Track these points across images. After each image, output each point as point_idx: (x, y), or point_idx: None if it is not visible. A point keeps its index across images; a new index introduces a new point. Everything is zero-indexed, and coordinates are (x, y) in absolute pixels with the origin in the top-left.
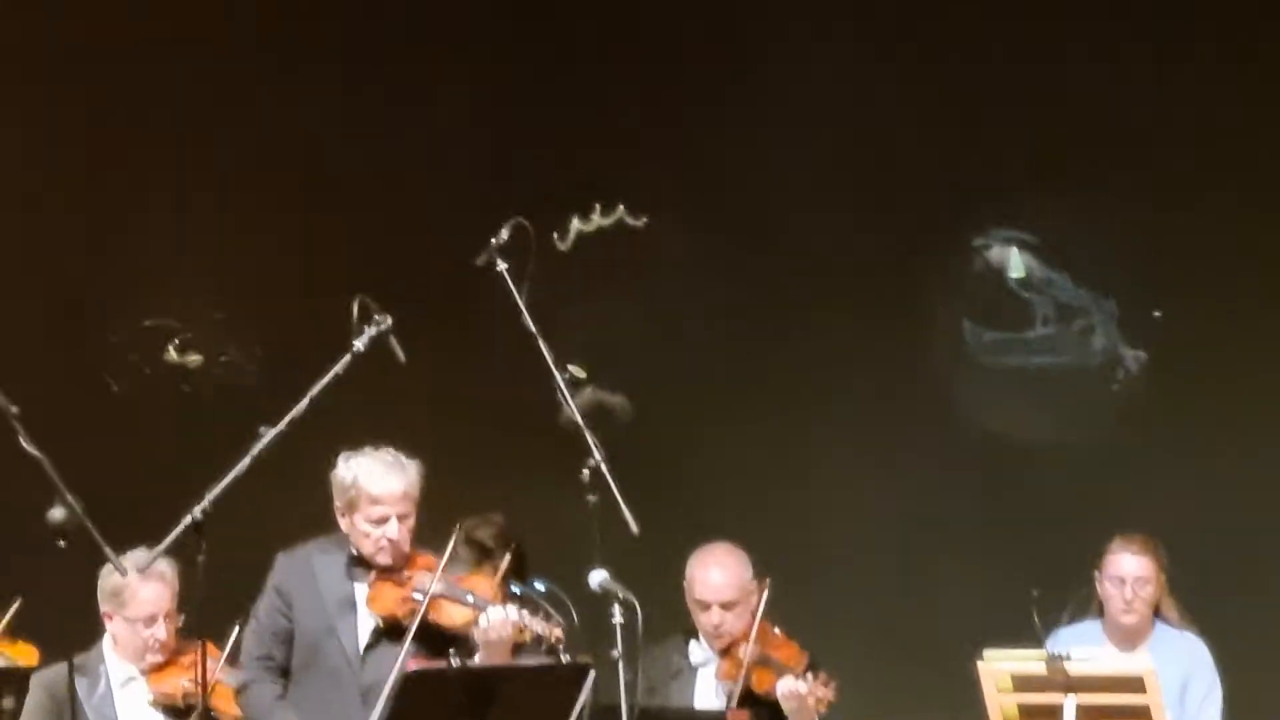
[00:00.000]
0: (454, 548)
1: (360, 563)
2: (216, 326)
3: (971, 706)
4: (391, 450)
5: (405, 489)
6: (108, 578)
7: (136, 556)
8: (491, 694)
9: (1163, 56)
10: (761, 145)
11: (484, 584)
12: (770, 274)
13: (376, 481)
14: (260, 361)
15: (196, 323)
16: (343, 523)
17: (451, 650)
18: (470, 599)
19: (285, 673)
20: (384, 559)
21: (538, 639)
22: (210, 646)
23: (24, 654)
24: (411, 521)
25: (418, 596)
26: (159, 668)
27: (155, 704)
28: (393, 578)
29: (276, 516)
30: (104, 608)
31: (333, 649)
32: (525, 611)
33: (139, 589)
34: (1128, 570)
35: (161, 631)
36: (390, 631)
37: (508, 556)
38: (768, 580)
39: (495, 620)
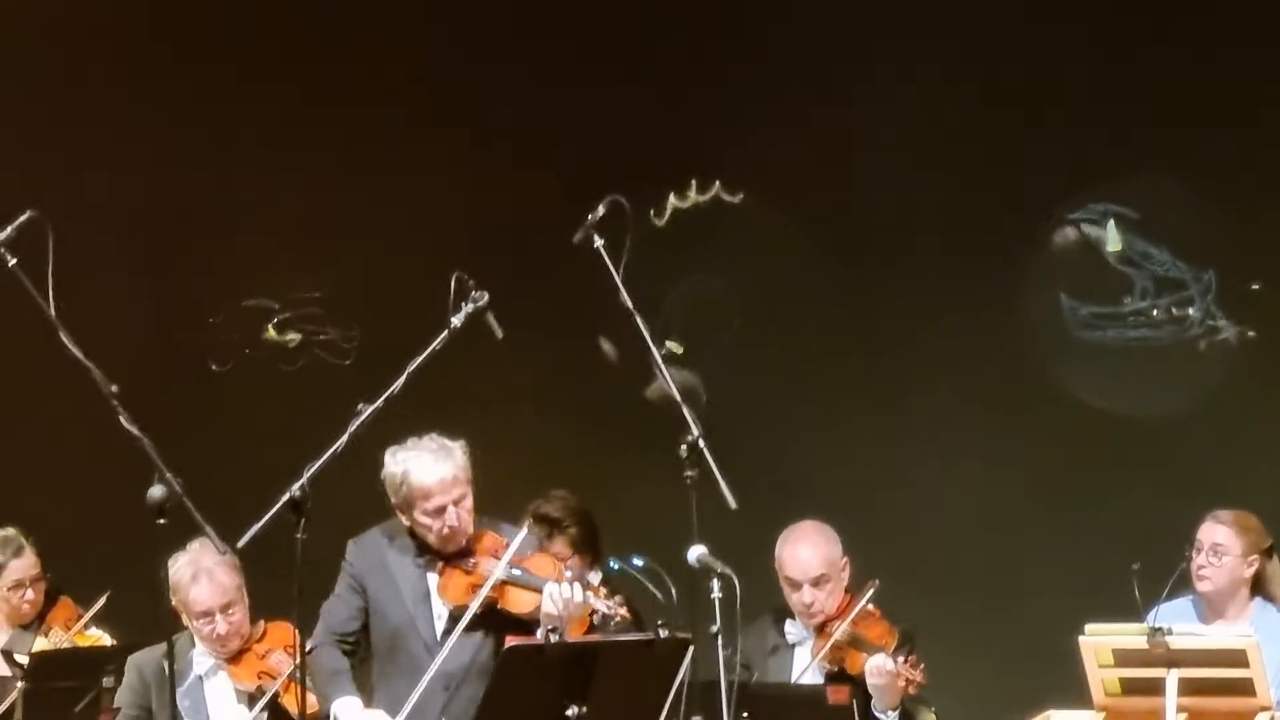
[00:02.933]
0: (524, 535)
1: (428, 550)
2: (315, 305)
3: (1073, 681)
4: (434, 437)
5: (455, 474)
6: (169, 569)
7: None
8: (592, 669)
9: (1258, 34)
10: (857, 121)
11: (547, 564)
12: (866, 248)
13: (426, 473)
14: (358, 339)
15: (295, 302)
16: (403, 519)
17: (552, 628)
18: (533, 580)
19: (356, 646)
20: (450, 546)
21: (605, 618)
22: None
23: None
24: (469, 502)
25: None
26: (236, 657)
27: (239, 691)
28: (460, 565)
29: (374, 496)
30: (173, 601)
31: (413, 638)
32: (589, 592)
33: (190, 588)
34: (1205, 537)
35: (223, 626)
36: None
37: (577, 526)
38: (875, 584)
39: (556, 595)
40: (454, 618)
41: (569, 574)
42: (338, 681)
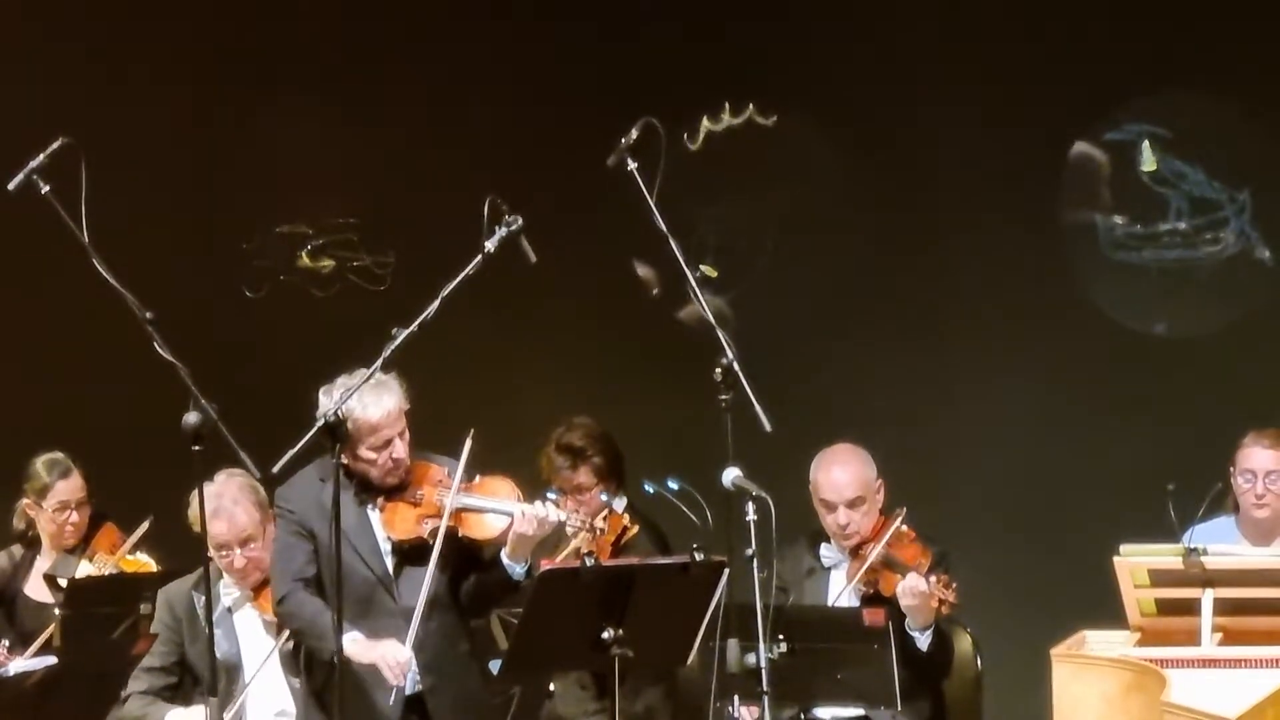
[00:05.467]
0: (466, 459)
1: (366, 487)
2: (349, 231)
3: (1108, 602)
4: (367, 371)
5: (399, 405)
6: (191, 504)
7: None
8: (627, 592)
9: None
10: (892, 42)
11: (503, 486)
12: (901, 170)
13: (372, 408)
14: (392, 265)
15: (329, 228)
16: (344, 457)
17: (588, 552)
18: (495, 504)
19: (320, 587)
20: (393, 480)
21: (617, 539)
22: None
23: (139, 569)
24: (407, 434)
25: (441, 507)
26: (260, 588)
27: (266, 622)
28: (404, 498)
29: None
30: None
31: (366, 576)
32: (560, 510)
33: (210, 523)
34: (1259, 464)
35: (239, 560)
36: (413, 553)
37: (601, 455)
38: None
39: (530, 515)
40: (399, 551)
41: (550, 495)
42: (327, 618)
